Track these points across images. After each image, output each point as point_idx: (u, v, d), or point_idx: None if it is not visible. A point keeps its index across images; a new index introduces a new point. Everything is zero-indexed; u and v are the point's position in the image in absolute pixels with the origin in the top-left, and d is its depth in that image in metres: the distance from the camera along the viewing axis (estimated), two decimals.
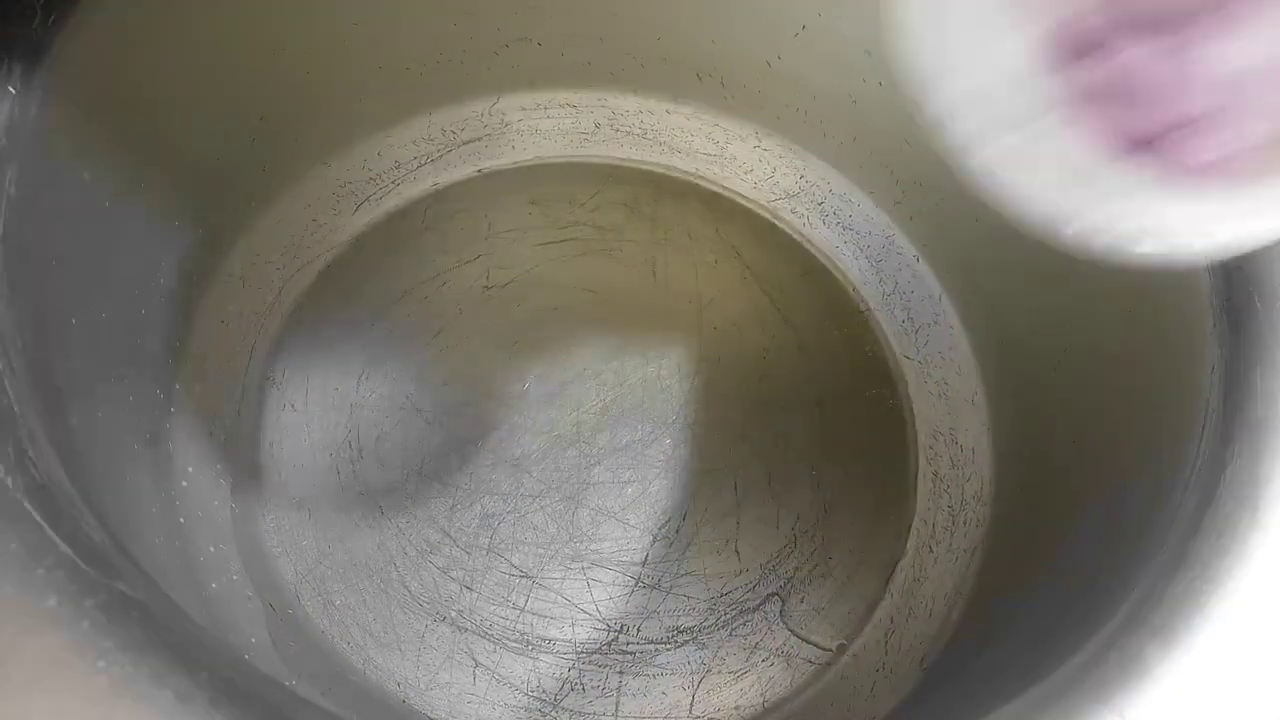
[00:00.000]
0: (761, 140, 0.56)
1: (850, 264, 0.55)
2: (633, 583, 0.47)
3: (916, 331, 0.52)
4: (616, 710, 0.45)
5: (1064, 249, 0.21)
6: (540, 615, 0.46)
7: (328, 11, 0.48)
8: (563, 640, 0.46)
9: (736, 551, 0.48)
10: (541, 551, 0.47)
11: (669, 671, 0.46)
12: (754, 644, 0.46)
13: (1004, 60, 0.19)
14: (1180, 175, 0.19)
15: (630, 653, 0.46)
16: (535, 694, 0.45)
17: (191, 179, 0.45)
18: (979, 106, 0.19)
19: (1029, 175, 0.20)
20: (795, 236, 0.55)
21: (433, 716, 0.44)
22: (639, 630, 0.46)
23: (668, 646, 0.46)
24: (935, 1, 0.19)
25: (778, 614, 0.47)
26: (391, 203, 0.55)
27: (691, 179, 0.56)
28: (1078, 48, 0.19)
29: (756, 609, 0.47)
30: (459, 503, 0.48)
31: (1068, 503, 0.43)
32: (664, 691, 0.45)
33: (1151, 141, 0.19)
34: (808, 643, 0.46)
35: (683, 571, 0.47)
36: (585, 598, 0.46)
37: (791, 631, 0.47)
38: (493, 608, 0.46)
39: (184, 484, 0.45)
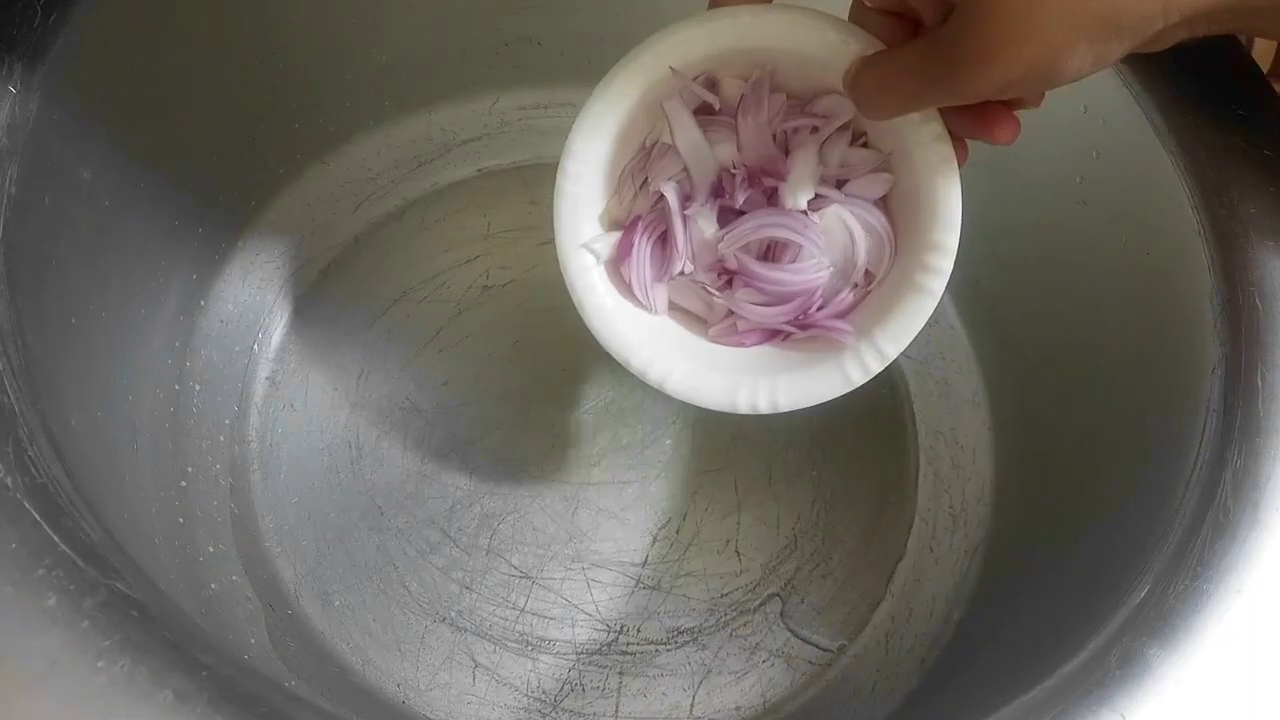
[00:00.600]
0: None
1: None
2: (633, 583, 0.47)
3: None
4: (616, 711, 0.45)
5: (741, 414, 0.33)
6: (540, 616, 0.46)
7: (327, 12, 0.48)
8: (563, 641, 0.46)
9: (737, 551, 0.48)
10: (541, 552, 0.47)
11: (669, 672, 0.45)
12: (754, 644, 0.46)
13: (670, 337, 0.35)
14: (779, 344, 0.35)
15: (630, 653, 0.46)
16: (535, 695, 0.45)
17: (191, 179, 0.45)
18: (664, 361, 0.34)
19: (706, 386, 0.34)
20: None
21: (432, 717, 0.44)
22: (639, 631, 0.46)
23: (668, 647, 0.46)
24: (605, 316, 0.34)
25: (778, 614, 0.47)
26: (391, 203, 0.55)
27: None
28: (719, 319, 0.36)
29: (756, 609, 0.47)
30: (459, 503, 0.48)
31: (1068, 503, 0.43)
32: (664, 692, 0.45)
33: (766, 336, 0.35)
34: (808, 643, 0.46)
35: (683, 572, 0.47)
36: (585, 598, 0.46)
37: (792, 632, 0.47)
38: (493, 608, 0.46)
39: (184, 484, 0.45)
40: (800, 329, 0.35)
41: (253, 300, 0.51)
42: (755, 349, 0.35)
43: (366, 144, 0.54)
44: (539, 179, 0.56)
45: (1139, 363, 0.40)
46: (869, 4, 0.31)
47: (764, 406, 0.33)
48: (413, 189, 0.55)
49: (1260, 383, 0.33)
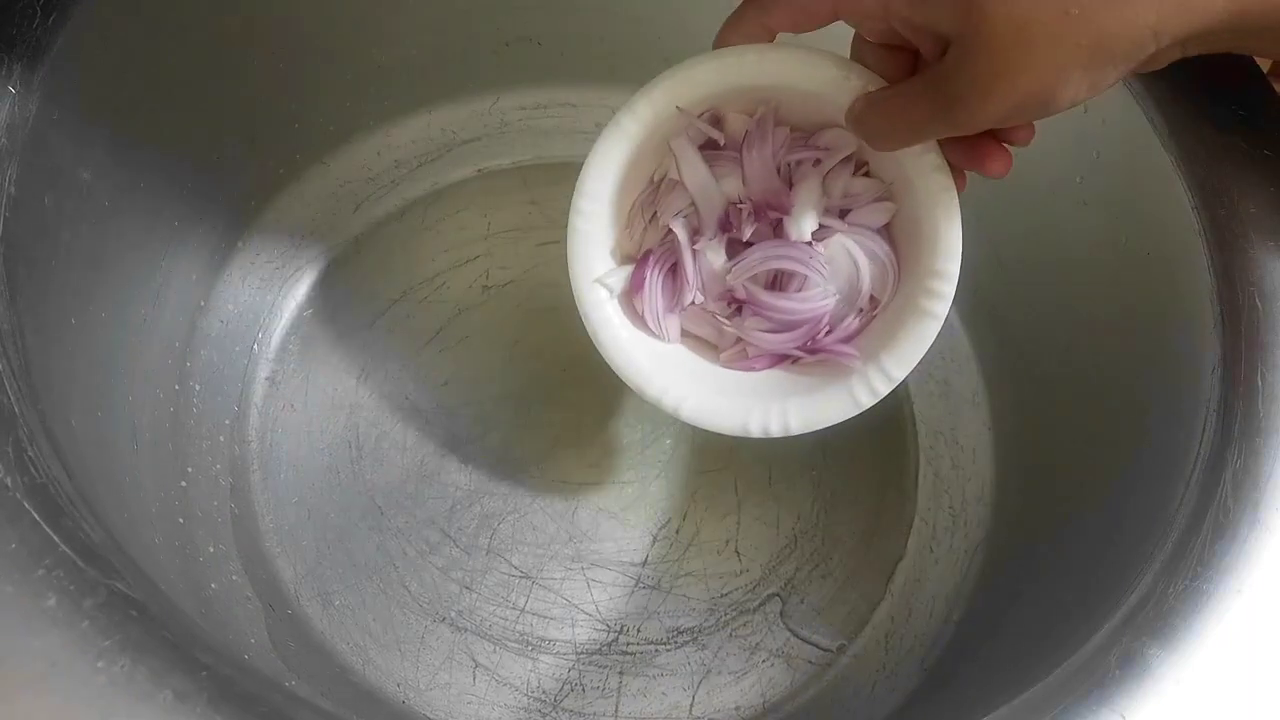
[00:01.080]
0: None
1: None
2: (633, 583, 0.47)
3: None
4: (616, 711, 0.45)
5: (756, 438, 0.34)
6: (540, 615, 0.46)
7: (328, 12, 0.48)
8: (563, 641, 0.46)
9: (736, 551, 0.48)
10: (541, 552, 0.47)
11: (669, 672, 0.45)
12: (754, 644, 0.46)
13: (683, 364, 0.36)
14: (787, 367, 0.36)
15: (630, 653, 0.46)
16: (535, 694, 0.45)
17: (191, 179, 0.45)
18: (677, 389, 0.35)
19: (719, 411, 0.35)
20: None
21: (432, 717, 0.44)
22: (639, 631, 0.46)
23: (668, 647, 0.46)
24: (620, 347, 0.35)
25: (778, 614, 0.47)
26: (391, 203, 0.55)
27: None
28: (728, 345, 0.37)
29: (756, 609, 0.47)
30: (459, 503, 0.48)
31: (1068, 503, 0.43)
32: (664, 692, 0.45)
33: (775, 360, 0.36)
34: (808, 643, 0.46)
35: (683, 572, 0.47)
36: (585, 598, 0.46)
37: (791, 632, 0.47)
38: (493, 608, 0.46)
39: (184, 484, 0.45)
40: (809, 354, 0.36)
41: (253, 300, 0.51)
42: (765, 373, 0.36)
43: (366, 144, 0.54)
44: (539, 179, 0.56)
45: (1139, 363, 0.40)
46: (869, 39, 0.32)
47: (775, 430, 0.34)
48: (413, 189, 0.55)
49: (1260, 383, 0.33)
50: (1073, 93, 0.27)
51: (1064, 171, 0.43)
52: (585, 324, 0.35)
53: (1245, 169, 0.36)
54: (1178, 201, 0.37)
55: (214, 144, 0.47)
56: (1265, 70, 0.38)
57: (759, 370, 0.36)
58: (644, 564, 0.47)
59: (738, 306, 0.37)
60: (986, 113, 0.28)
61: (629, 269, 0.36)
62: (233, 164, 0.48)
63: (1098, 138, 0.41)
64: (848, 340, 0.35)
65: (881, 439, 0.51)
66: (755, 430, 0.34)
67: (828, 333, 0.35)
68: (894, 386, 0.34)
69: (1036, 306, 0.48)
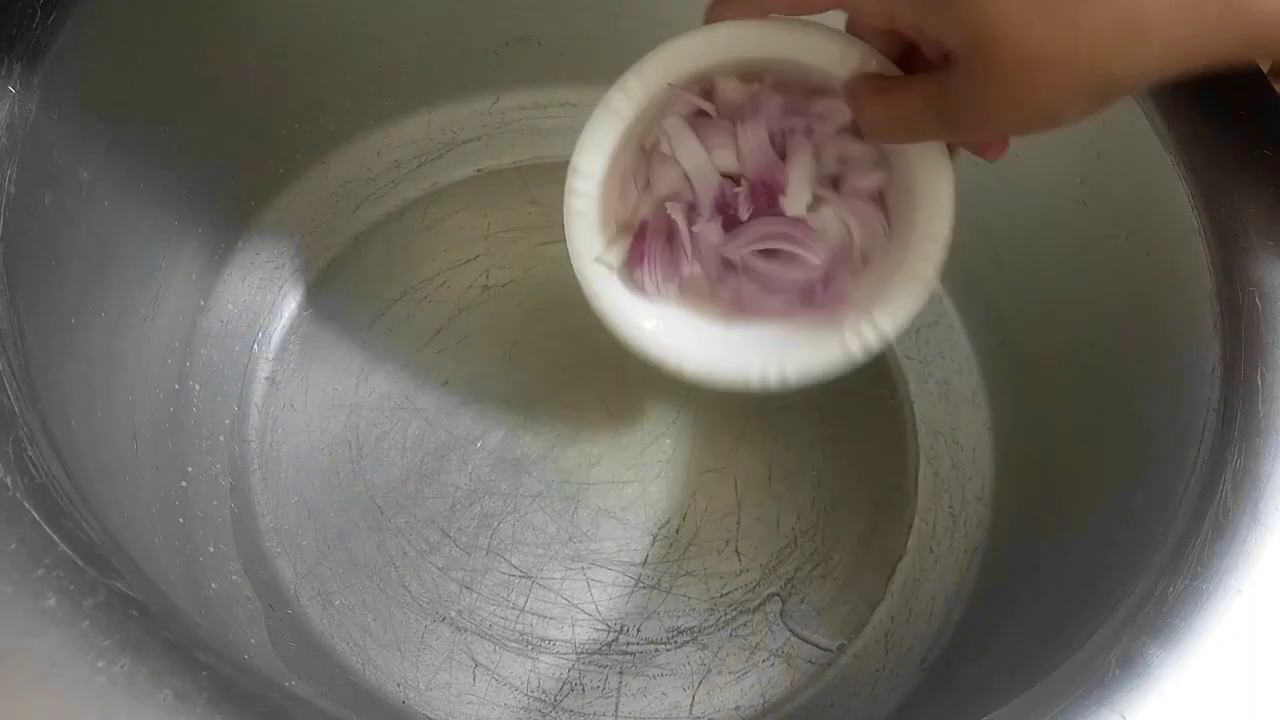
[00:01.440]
0: None
1: None
2: (633, 583, 0.47)
3: (917, 331, 0.52)
4: (616, 711, 0.45)
5: (765, 392, 0.36)
6: (540, 615, 0.46)
7: (328, 12, 0.48)
8: (563, 640, 0.46)
9: (737, 551, 0.48)
10: (541, 551, 0.47)
11: (669, 672, 0.45)
12: (754, 644, 0.46)
13: (683, 326, 0.37)
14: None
15: (630, 653, 0.46)
16: (535, 694, 0.45)
17: (191, 179, 0.45)
18: (679, 348, 0.36)
19: (721, 366, 0.36)
20: None
21: (432, 717, 0.44)
22: (639, 630, 0.46)
23: (668, 647, 0.46)
24: (626, 318, 0.36)
25: (778, 614, 0.47)
26: (391, 203, 0.55)
27: None
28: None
29: (756, 609, 0.47)
30: (459, 503, 0.48)
31: (1068, 503, 0.43)
32: (664, 692, 0.45)
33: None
34: (808, 643, 0.46)
35: (683, 571, 0.47)
36: (585, 598, 0.46)
37: (791, 631, 0.47)
38: (493, 608, 0.46)
39: (184, 484, 0.45)
40: (804, 309, 0.37)
41: (253, 300, 0.51)
42: (762, 329, 0.37)
43: (366, 144, 0.54)
44: (539, 179, 0.56)
45: (1139, 363, 0.40)
46: (864, 21, 0.32)
47: (774, 380, 0.36)
48: (413, 189, 0.55)
49: (1260, 383, 0.33)
50: (1076, 115, 0.27)
51: (1064, 171, 0.43)
52: (589, 301, 0.36)
53: (1245, 169, 0.36)
54: (1178, 201, 0.37)
55: (214, 143, 0.47)
56: (1265, 70, 0.38)
57: (756, 325, 0.38)
58: (644, 564, 0.47)
59: (734, 270, 0.38)
60: (987, 131, 0.29)
61: (626, 241, 0.37)
62: (233, 164, 0.48)
63: (1098, 138, 0.41)
64: (841, 298, 0.37)
65: (881, 439, 0.51)
66: (754, 382, 0.36)
67: (823, 290, 0.37)
68: (887, 341, 0.35)
69: (1037, 306, 0.48)
